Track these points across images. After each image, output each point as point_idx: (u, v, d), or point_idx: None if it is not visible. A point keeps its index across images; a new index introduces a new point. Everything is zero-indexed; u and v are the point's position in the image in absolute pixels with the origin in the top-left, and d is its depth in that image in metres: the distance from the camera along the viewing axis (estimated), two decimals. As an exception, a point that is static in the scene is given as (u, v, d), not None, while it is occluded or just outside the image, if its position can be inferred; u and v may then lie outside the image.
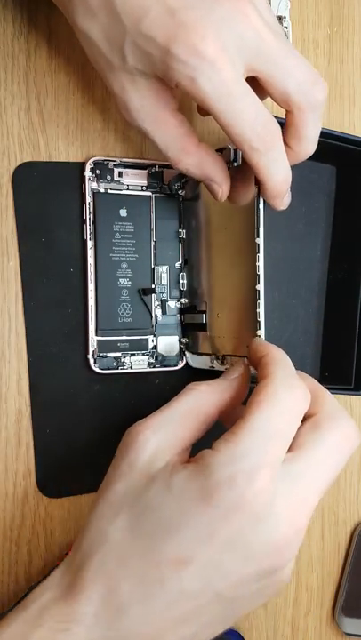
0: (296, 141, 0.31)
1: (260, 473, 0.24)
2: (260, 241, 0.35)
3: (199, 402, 0.29)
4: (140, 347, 0.40)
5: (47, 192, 0.38)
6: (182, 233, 0.41)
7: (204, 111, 0.36)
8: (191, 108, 0.41)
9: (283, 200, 0.33)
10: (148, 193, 0.40)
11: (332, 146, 0.41)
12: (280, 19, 0.45)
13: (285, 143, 0.31)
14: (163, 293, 0.40)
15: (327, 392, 0.29)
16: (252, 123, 0.28)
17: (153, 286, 0.40)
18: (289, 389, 0.26)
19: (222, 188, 0.34)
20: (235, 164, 0.36)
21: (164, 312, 0.41)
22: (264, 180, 0.31)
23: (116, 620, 0.24)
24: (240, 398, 0.31)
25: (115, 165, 0.39)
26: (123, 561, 0.25)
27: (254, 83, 0.29)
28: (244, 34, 0.27)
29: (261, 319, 0.35)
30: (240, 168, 0.36)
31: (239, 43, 0.27)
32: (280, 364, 0.28)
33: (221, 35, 0.26)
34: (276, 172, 0.30)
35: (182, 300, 0.41)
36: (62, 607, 0.25)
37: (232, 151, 0.36)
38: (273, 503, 0.24)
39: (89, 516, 0.27)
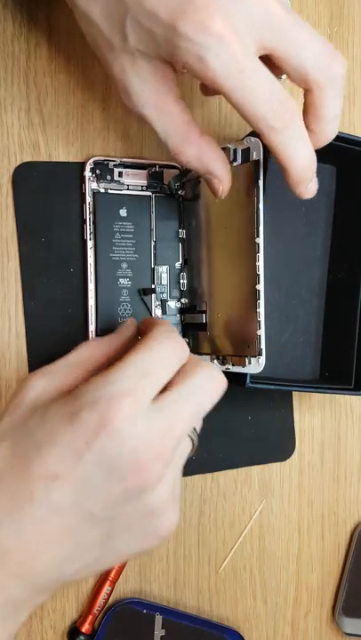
0: (316, 122, 0.29)
1: (122, 398, 0.26)
2: (260, 241, 0.35)
3: (88, 353, 0.31)
4: (140, 347, 0.40)
5: (47, 192, 0.39)
6: (182, 233, 0.41)
7: (209, 90, 0.34)
8: (192, 102, 0.41)
9: (308, 187, 0.31)
10: (148, 193, 0.40)
11: (332, 146, 0.41)
12: (280, 19, 0.45)
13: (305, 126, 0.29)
14: (163, 293, 0.40)
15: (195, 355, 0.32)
16: (268, 99, 0.27)
17: (153, 286, 0.40)
18: (165, 340, 0.29)
19: (223, 183, 0.32)
20: (234, 163, 0.36)
21: (164, 312, 0.41)
22: (285, 162, 0.29)
23: None
24: (127, 349, 0.32)
25: (115, 165, 0.39)
26: (0, 480, 0.26)
27: (269, 63, 0.28)
28: (254, 9, 0.26)
29: (261, 319, 0.35)
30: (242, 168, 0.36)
31: (249, 19, 0.26)
32: (162, 324, 0.31)
33: (230, 11, 0.26)
34: (298, 152, 0.29)
35: (182, 300, 0.41)
36: None
37: (232, 151, 0.36)
38: (134, 426, 0.26)
39: None
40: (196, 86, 0.43)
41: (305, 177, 0.30)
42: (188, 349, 0.30)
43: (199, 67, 0.26)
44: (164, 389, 0.28)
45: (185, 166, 0.32)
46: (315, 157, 0.30)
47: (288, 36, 0.27)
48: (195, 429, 0.30)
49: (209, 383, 0.29)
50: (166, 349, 0.29)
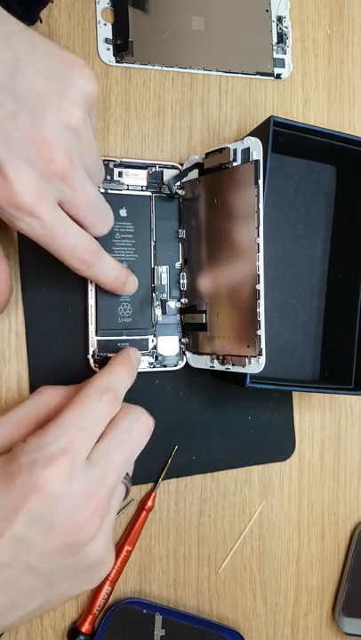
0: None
1: (58, 460, 0.27)
2: (260, 241, 0.35)
3: (40, 405, 0.32)
4: (140, 347, 0.40)
5: (47, 192, 0.38)
6: (182, 233, 0.41)
7: None
8: (192, 101, 0.41)
9: (126, 288, 0.37)
10: (148, 193, 0.40)
11: (332, 146, 0.41)
12: (280, 19, 0.45)
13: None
14: (163, 293, 0.40)
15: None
16: (72, 251, 0.31)
17: (153, 285, 0.40)
18: (99, 395, 0.31)
19: None
20: (234, 163, 0.36)
21: (164, 312, 0.41)
22: (98, 283, 0.35)
23: None
24: None
25: (115, 165, 0.39)
26: None
27: None
28: (59, 186, 0.29)
29: (261, 319, 0.35)
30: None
31: (55, 190, 0.29)
32: (106, 370, 0.33)
33: (38, 184, 0.28)
34: (104, 277, 0.35)
35: (182, 300, 0.41)
36: None
37: (231, 151, 0.36)
38: (70, 485, 0.27)
39: None
40: (195, 86, 0.43)
41: (117, 287, 0.36)
42: (120, 400, 0.32)
43: (12, 226, 0.29)
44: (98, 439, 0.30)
45: None
46: (121, 271, 0.36)
47: (78, 208, 0.31)
48: (127, 474, 0.33)
49: (135, 426, 0.32)
50: (99, 405, 0.30)
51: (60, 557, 0.28)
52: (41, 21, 0.38)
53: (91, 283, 0.38)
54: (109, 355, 0.39)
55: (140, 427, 0.32)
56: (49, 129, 0.28)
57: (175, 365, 0.41)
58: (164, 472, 0.42)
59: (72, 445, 0.28)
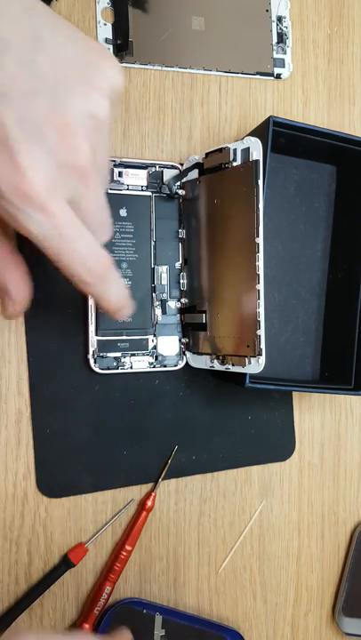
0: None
1: None
2: (260, 241, 0.35)
3: None
4: (140, 347, 0.40)
5: (47, 192, 0.38)
6: (182, 233, 0.41)
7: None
8: (192, 101, 0.41)
9: (121, 313, 0.32)
10: (148, 193, 0.40)
11: (332, 146, 0.41)
12: (280, 19, 0.45)
13: None
14: (163, 293, 0.40)
15: None
16: (83, 259, 0.27)
17: (153, 285, 0.40)
18: None
19: (15, 307, 0.30)
20: (234, 163, 0.36)
21: (164, 312, 0.41)
22: (99, 302, 0.31)
23: None
24: None
25: (115, 165, 0.39)
26: None
27: None
28: (74, 183, 0.25)
29: (261, 319, 0.35)
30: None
31: (68, 187, 0.25)
32: None
33: (55, 180, 0.24)
34: (109, 297, 0.30)
35: (182, 300, 0.41)
36: None
37: (231, 151, 0.36)
38: None
39: None
40: (195, 86, 0.43)
41: (116, 311, 0.31)
42: None
43: (17, 226, 0.25)
44: None
45: None
46: (125, 294, 0.31)
47: (87, 191, 0.27)
48: None
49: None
50: None
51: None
52: None
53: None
54: (108, 355, 0.39)
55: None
56: (73, 114, 0.24)
57: (175, 365, 0.41)
58: (164, 472, 0.42)
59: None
